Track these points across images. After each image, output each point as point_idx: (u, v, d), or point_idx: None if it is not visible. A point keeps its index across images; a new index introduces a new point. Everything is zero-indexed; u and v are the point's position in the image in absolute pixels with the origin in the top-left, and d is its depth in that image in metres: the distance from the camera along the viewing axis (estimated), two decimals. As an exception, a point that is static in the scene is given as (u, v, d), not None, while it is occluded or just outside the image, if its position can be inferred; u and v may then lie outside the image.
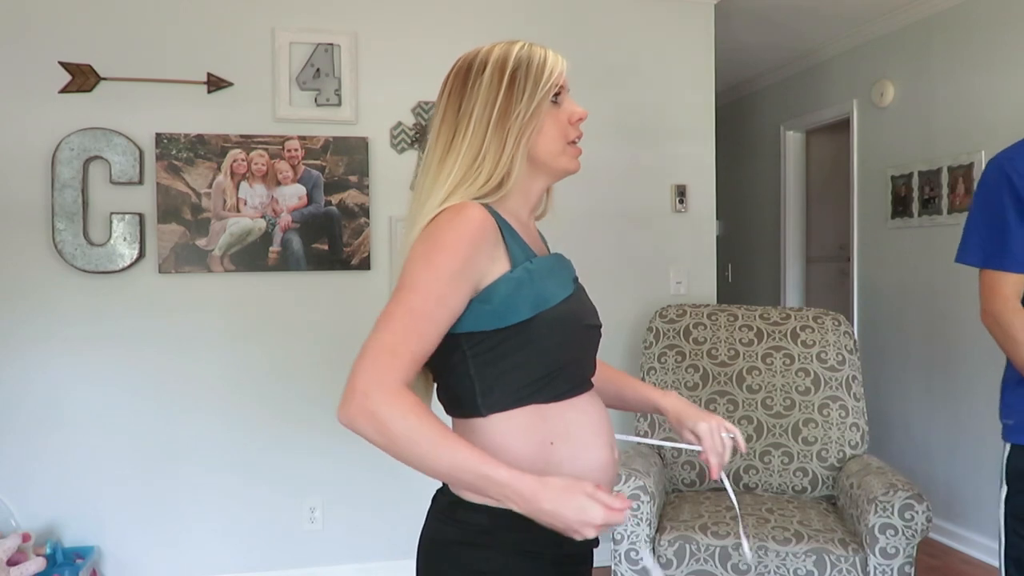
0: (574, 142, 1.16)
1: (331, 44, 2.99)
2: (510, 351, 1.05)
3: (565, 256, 1.23)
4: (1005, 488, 1.61)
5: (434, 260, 1.00)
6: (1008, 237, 1.54)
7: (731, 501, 1.06)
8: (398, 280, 1.03)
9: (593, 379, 1.18)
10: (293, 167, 2.96)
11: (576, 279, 1.20)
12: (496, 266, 1.04)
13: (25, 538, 2.58)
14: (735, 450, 1.21)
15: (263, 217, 2.94)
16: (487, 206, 1.07)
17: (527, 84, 1.09)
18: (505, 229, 1.07)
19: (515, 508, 0.96)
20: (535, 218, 1.23)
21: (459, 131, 1.09)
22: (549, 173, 1.15)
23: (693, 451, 1.05)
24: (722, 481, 1.14)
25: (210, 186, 2.90)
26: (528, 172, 1.12)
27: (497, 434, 1.06)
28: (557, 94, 1.12)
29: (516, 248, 1.07)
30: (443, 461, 0.95)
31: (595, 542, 1.18)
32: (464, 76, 1.11)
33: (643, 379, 2.93)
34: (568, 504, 0.93)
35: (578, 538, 0.95)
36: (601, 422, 1.13)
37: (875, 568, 2.25)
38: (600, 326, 1.19)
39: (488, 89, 1.08)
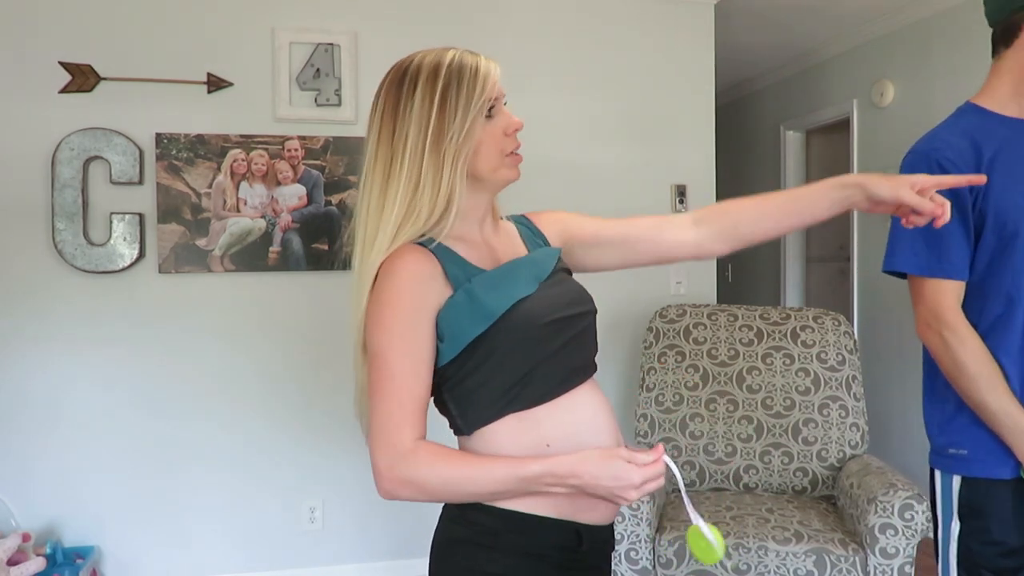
0: (512, 152, 1.13)
1: (331, 44, 2.99)
2: (473, 370, 1.06)
3: (541, 252, 1.19)
4: (958, 524, 1.43)
5: (383, 320, 1.03)
6: (947, 240, 1.38)
7: (676, 478, 1.08)
8: (367, 348, 1.07)
9: (747, 222, 1.18)
10: (293, 167, 2.96)
11: (552, 275, 1.15)
12: (442, 295, 1.06)
13: (25, 538, 2.58)
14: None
15: (263, 217, 2.94)
16: (423, 241, 1.07)
17: (459, 103, 1.06)
18: (443, 256, 1.07)
19: (561, 491, 1.02)
20: (493, 221, 1.20)
21: (396, 156, 1.07)
22: (489, 188, 1.14)
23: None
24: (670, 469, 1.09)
25: (210, 186, 2.90)
26: (470, 189, 1.10)
27: (486, 448, 1.07)
28: (492, 107, 1.09)
29: (456, 272, 1.07)
30: (487, 487, 1.02)
31: (612, 546, 1.18)
32: (396, 95, 1.08)
33: (643, 380, 2.93)
34: (605, 471, 0.99)
35: (622, 503, 1.02)
36: (598, 416, 1.12)
37: (875, 568, 2.25)
38: (585, 312, 1.15)
39: (420, 111, 1.06)
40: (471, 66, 1.08)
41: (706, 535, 1.06)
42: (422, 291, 1.04)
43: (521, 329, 1.06)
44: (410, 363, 1.03)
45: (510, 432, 1.06)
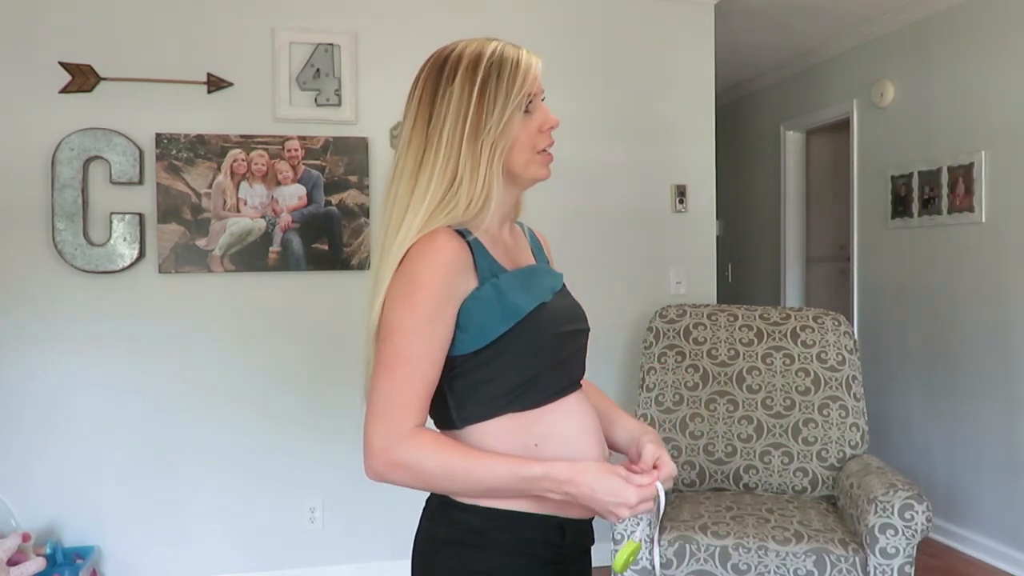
0: (544, 150, 1.12)
1: (331, 44, 2.99)
2: (481, 365, 1.05)
3: (550, 268, 1.22)
4: None
5: (413, 300, 1.01)
6: None
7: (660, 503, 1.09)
8: (382, 324, 1.03)
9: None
10: (293, 167, 2.96)
11: (561, 289, 1.19)
12: (469, 287, 1.04)
13: (25, 538, 2.58)
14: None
15: (263, 217, 2.94)
16: (461, 229, 1.06)
17: (498, 96, 1.05)
18: (476, 249, 1.06)
19: (555, 497, 1.01)
20: (511, 220, 1.20)
21: (431, 145, 1.06)
22: (520, 184, 1.14)
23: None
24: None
25: (210, 186, 2.90)
26: (503, 184, 1.10)
27: (475, 444, 1.06)
28: (530, 102, 1.09)
29: (484, 265, 1.06)
30: (484, 482, 1.00)
31: (591, 540, 1.18)
32: (435, 82, 1.08)
33: (643, 380, 2.94)
34: (603, 486, 0.99)
35: (613, 520, 1.01)
36: (587, 423, 1.13)
37: (875, 568, 2.25)
38: (585, 330, 1.18)
39: (459, 101, 1.05)
40: (512, 59, 1.07)
41: (637, 553, 1.06)
42: (456, 279, 1.03)
43: (538, 334, 1.06)
44: (430, 348, 1.01)
45: (501, 431, 1.06)
